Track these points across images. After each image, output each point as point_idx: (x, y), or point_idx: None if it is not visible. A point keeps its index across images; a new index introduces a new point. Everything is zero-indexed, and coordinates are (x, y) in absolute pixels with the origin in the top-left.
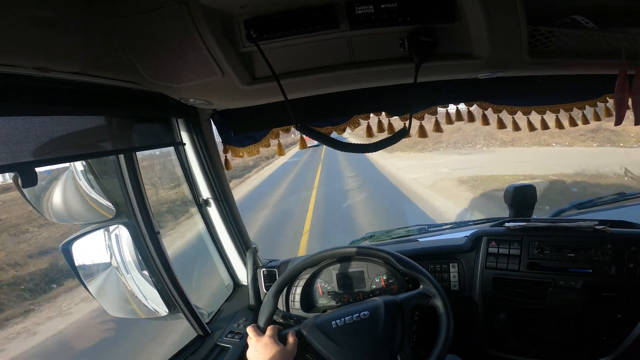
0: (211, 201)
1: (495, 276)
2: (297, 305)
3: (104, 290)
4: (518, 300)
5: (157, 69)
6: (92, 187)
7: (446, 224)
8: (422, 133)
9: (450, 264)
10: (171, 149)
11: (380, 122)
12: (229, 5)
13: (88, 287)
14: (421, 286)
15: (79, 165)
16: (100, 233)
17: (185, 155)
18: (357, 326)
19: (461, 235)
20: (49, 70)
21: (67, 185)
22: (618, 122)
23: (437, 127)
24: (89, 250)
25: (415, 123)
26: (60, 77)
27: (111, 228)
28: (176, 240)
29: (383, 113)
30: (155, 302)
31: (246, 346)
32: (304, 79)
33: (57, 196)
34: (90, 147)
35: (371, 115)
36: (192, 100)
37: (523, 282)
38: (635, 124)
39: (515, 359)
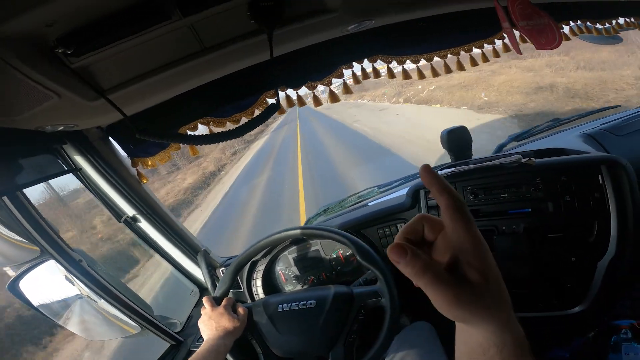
0: (139, 217)
1: None
2: (262, 297)
3: (72, 318)
4: None
5: None
6: (10, 229)
7: (396, 181)
8: (334, 98)
9: (399, 225)
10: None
11: (288, 97)
12: (31, 28)
13: (53, 318)
14: (378, 283)
15: None
16: (44, 268)
17: (88, 179)
18: (299, 314)
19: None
20: None
21: None
22: (518, 51)
23: (346, 90)
24: (41, 285)
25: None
26: None
27: (52, 262)
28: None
29: (289, 89)
30: (124, 321)
31: None
32: (160, 78)
33: None
34: None
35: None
36: (49, 127)
37: None
38: (537, 49)
39: None
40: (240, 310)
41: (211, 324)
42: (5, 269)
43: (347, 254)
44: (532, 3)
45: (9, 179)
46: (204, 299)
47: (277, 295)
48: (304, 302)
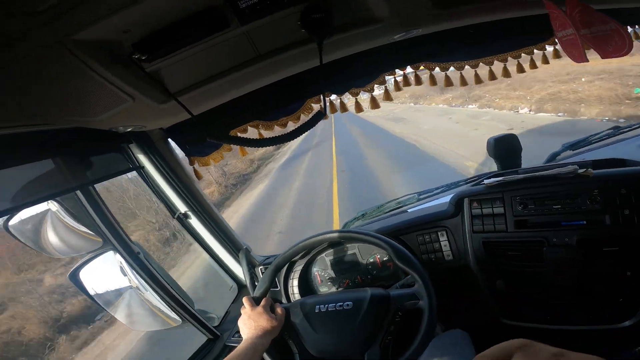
0: (190, 214)
1: (485, 240)
2: (297, 297)
3: (121, 308)
4: (514, 263)
5: (69, 108)
6: (78, 221)
7: (437, 188)
8: (375, 104)
9: (439, 233)
10: None
11: (331, 103)
12: (109, 34)
13: (105, 308)
14: (415, 285)
15: (53, 205)
16: (104, 258)
17: (149, 177)
18: (336, 315)
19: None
20: None
21: (55, 223)
22: (580, 59)
23: (387, 96)
24: (98, 275)
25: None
26: None
27: (111, 253)
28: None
29: (333, 95)
30: (167, 314)
31: None
32: (219, 83)
33: (51, 234)
34: (43, 191)
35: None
36: (121, 128)
37: (514, 243)
38: (603, 57)
39: (531, 327)
40: (279, 310)
41: (250, 323)
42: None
43: (384, 258)
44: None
45: (83, 175)
46: (244, 299)
47: (314, 296)
48: (341, 303)
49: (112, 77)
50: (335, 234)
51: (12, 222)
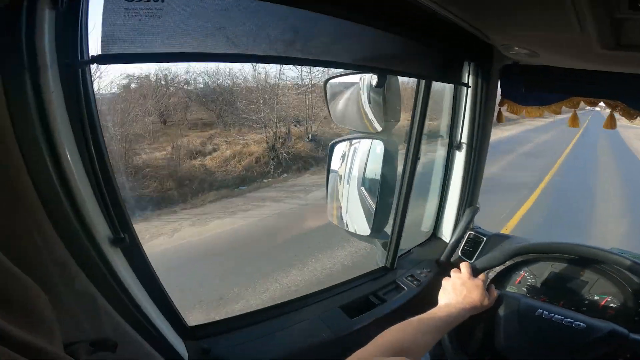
0: (464, 146)
1: None
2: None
3: (333, 194)
4: None
5: (508, 15)
6: (369, 102)
7: None
8: None
9: None
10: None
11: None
12: None
13: (328, 187)
14: None
15: (370, 80)
16: (360, 143)
17: (465, 97)
18: (559, 329)
19: None
20: None
21: (351, 95)
22: None
23: None
24: (344, 154)
25: None
26: None
27: (369, 142)
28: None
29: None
30: (363, 222)
31: (419, 294)
32: None
33: (341, 101)
34: (399, 66)
35: None
36: (516, 48)
37: None
38: None
39: None
40: (494, 293)
41: (462, 291)
42: None
43: (612, 304)
44: None
45: (430, 68)
46: (465, 265)
47: (528, 297)
48: (571, 320)
49: (583, 7)
50: (628, 261)
51: (332, 80)
